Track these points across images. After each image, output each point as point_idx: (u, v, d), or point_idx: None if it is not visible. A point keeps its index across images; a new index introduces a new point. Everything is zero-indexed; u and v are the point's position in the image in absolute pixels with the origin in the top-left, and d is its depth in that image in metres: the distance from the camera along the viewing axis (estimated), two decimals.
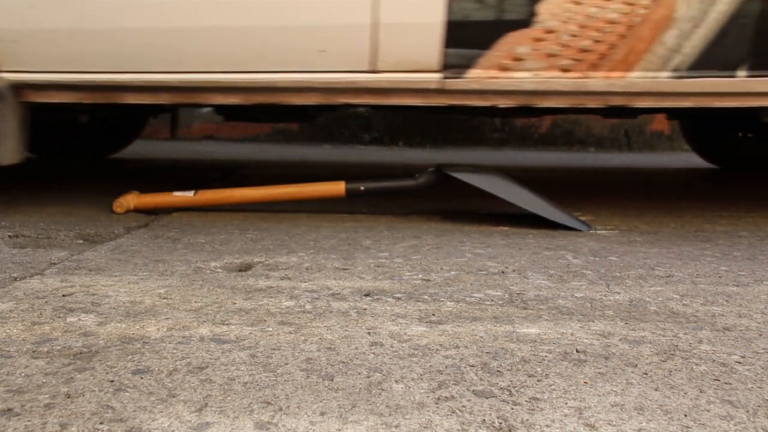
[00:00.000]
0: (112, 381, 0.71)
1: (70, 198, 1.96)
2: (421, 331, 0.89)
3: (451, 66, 1.58)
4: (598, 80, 1.58)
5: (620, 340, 0.88)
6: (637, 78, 1.58)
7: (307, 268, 1.21)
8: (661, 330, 0.92)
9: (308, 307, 0.98)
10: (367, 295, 1.05)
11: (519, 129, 4.99)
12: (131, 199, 1.73)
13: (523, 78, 1.59)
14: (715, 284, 1.17)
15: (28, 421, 0.62)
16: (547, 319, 0.95)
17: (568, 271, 1.23)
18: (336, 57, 1.57)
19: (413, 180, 1.77)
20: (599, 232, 1.63)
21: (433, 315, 0.96)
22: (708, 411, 0.68)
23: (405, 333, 0.88)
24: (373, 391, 0.70)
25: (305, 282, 1.12)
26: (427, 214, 1.83)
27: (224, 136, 4.96)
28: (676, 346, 0.86)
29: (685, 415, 0.67)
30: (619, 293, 1.09)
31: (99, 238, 1.46)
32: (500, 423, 0.64)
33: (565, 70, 1.57)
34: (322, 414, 0.65)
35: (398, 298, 1.03)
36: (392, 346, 0.83)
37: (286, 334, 0.87)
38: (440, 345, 0.84)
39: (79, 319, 0.90)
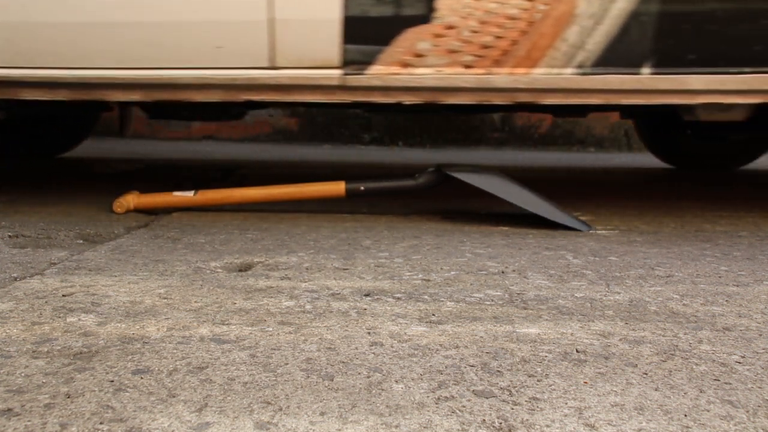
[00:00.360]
0: (112, 381, 0.71)
1: (70, 198, 1.96)
2: (421, 331, 0.89)
3: (352, 62, 1.57)
4: (502, 77, 1.57)
5: (620, 340, 0.88)
6: (541, 74, 1.58)
7: (307, 268, 1.21)
8: (661, 330, 0.92)
9: (308, 307, 0.98)
10: (367, 295, 1.05)
11: (519, 129, 4.99)
12: (131, 199, 1.73)
13: (425, 74, 1.58)
14: (715, 284, 1.17)
15: (28, 421, 0.62)
16: (547, 319, 0.95)
17: (568, 271, 1.23)
18: (234, 53, 1.57)
19: (413, 180, 1.77)
20: (599, 232, 1.63)
21: (433, 315, 0.96)
22: (708, 411, 0.68)
23: (405, 333, 0.88)
24: (373, 391, 0.70)
25: (305, 282, 1.12)
26: (427, 214, 1.83)
27: (224, 136, 4.96)
28: (676, 346, 0.86)
29: (685, 415, 0.67)
30: (619, 293, 1.09)
31: (99, 238, 1.46)
32: (500, 423, 0.64)
33: (467, 66, 1.56)
34: (322, 414, 0.65)
35: (398, 298, 1.03)
36: (392, 346, 0.83)
37: (286, 334, 0.87)
38: (440, 345, 0.84)
39: (79, 319, 0.90)
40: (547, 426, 0.64)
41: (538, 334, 0.89)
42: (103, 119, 4.67)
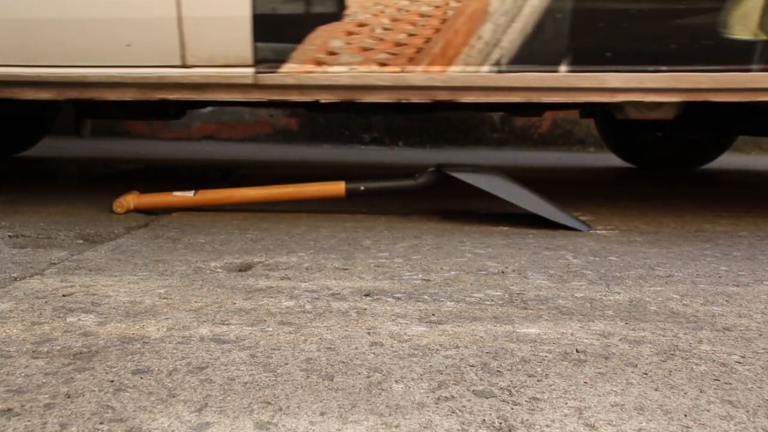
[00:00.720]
0: (112, 381, 0.71)
1: (70, 198, 1.96)
2: (421, 331, 0.89)
3: (265, 60, 1.56)
4: (418, 74, 1.57)
5: (620, 340, 0.88)
6: (458, 72, 1.57)
7: (307, 268, 1.21)
8: (661, 330, 0.92)
9: (308, 307, 0.98)
10: (367, 295, 1.05)
11: (519, 129, 4.99)
12: (131, 199, 1.72)
13: (339, 72, 1.57)
14: (715, 284, 1.17)
15: (28, 421, 0.62)
16: (547, 319, 0.95)
17: (568, 271, 1.23)
18: (143, 51, 1.57)
19: (413, 180, 1.77)
20: (599, 232, 1.63)
21: (433, 315, 0.96)
22: (708, 411, 0.68)
23: (405, 333, 0.88)
24: (373, 391, 0.70)
25: (305, 282, 1.12)
26: (427, 214, 1.83)
27: (224, 136, 4.96)
28: (676, 346, 0.86)
29: (685, 415, 0.67)
30: (619, 293, 1.09)
31: (99, 238, 1.46)
32: (500, 423, 0.64)
33: (382, 64, 1.56)
34: (322, 414, 0.65)
35: (398, 298, 1.03)
36: (392, 346, 0.83)
37: (286, 334, 0.87)
38: (440, 345, 0.84)
39: (79, 319, 0.90)
40: (547, 426, 0.64)
41: (538, 334, 0.89)
42: (103, 121, 4.66)
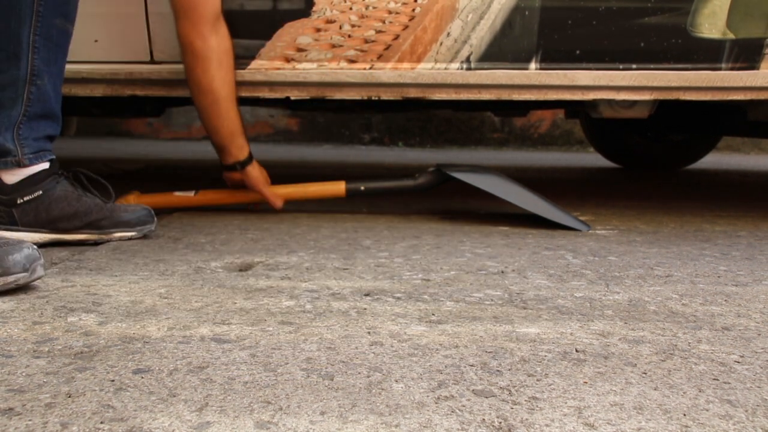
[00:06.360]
0: (113, 380, 0.71)
1: None
2: (421, 331, 0.89)
3: (234, 57, 1.57)
4: (387, 71, 1.58)
5: (619, 339, 0.88)
6: (427, 69, 1.58)
7: (307, 268, 1.21)
8: (660, 330, 0.92)
9: (308, 306, 0.99)
10: (367, 294, 1.05)
11: (519, 129, 4.99)
12: (131, 199, 1.73)
13: (308, 69, 1.58)
14: (714, 284, 1.17)
15: (29, 420, 0.62)
16: (546, 319, 0.95)
17: (568, 270, 1.24)
18: (112, 47, 1.57)
19: (413, 180, 1.77)
20: (599, 232, 1.63)
21: (433, 315, 0.96)
22: (707, 410, 0.68)
23: (405, 333, 0.88)
24: (373, 391, 0.71)
25: (305, 282, 1.12)
26: (427, 214, 1.84)
27: None
28: (675, 345, 0.86)
29: (684, 415, 0.67)
30: (619, 293, 1.10)
31: None
32: (500, 422, 0.65)
33: (351, 60, 1.57)
34: (322, 413, 0.65)
35: (398, 298, 1.04)
36: (392, 346, 0.84)
37: (286, 334, 0.87)
38: (440, 344, 0.84)
39: (80, 319, 0.91)
40: (547, 425, 0.64)
41: (538, 333, 0.89)
42: (103, 120, 4.66)
